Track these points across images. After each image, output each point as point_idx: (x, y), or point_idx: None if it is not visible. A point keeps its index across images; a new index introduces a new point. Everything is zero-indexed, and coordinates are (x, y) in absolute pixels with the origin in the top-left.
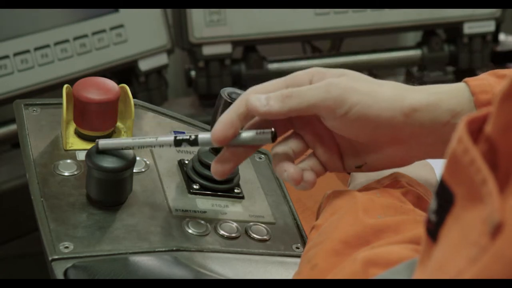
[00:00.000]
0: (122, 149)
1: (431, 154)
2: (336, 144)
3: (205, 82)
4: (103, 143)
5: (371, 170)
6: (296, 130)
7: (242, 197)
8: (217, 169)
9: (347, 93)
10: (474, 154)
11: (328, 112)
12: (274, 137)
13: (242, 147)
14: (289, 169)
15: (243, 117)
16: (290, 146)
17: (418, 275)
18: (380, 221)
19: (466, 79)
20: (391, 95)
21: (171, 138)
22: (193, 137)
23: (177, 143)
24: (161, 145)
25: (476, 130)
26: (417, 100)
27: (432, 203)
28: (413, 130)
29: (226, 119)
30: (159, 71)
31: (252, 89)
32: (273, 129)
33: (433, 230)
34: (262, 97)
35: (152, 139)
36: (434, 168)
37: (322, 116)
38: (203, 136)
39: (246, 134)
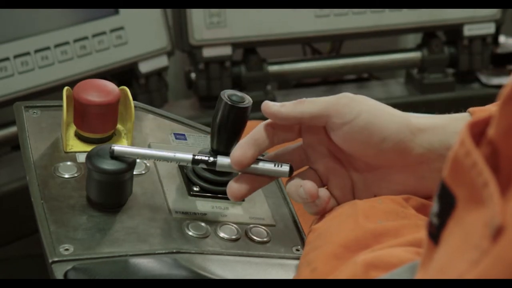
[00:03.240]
0: (137, 158)
1: None
2: (349, 178)
3: (205, 84)
4: (118, 149)
5: None
6: (310, 164)
7: (242, 199)
8: (233, 189)
9: (356, 101)
10: (476, 157)
11: (337, 117)
12: (291, 171)
13: (258, 176)
14: (305, 184)
15: (260, 142)
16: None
17: (420, 278)
18: (380, 226)
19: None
20: (398, 113)
21: (189, 156)
22: (211, 159)
23: (195, 162)
24: (178, 161)
25: (478, 133)
26: (423, 122)
27: (434, 206)
28: (422, 153)
29: (245, 143)
30: (159, 73)
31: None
32: (290, 164)
33: (435, 233)
34: (277, 103)
35: (170, 154)
36: None
37: (331, 124)
38: (222, 160)
39: (264, 164)
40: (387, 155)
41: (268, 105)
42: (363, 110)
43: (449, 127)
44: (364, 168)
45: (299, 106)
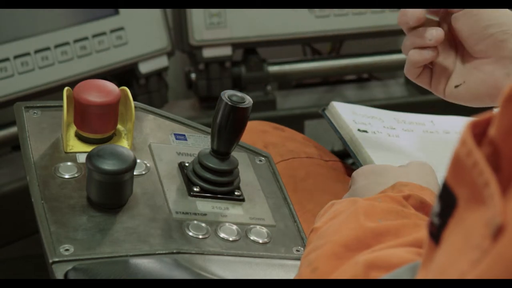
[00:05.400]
0: None
1: None
2: (453, 62)
3: (205, 84)
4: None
5: (465, 94)
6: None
7: (243, 200)
8: None
9: None
10: (477, 156)
11: None
12: None
13: None
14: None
15: None
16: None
17: (421, 278)
18: (380, 225)
19: None
20: (508, 11)
21: None
22: None
23: None
24: None
25: (480, 133)
26: None
27: (435, 206)
28: None
29: None
30: (159, 74)
31: None
32: None
33: (436, 233)
34: None
35: None
36: (436, 172)
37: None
38: None
39: None
40: (486, 42)
41: None
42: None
43: None
44: (465, 55)
45: None
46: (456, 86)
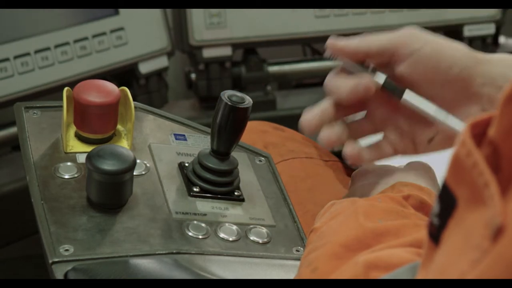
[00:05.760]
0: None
1: None
2: (408, 121)
3: (205, 84)
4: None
5: (443, 142)
6: (369, 109)
7: (242, 200)
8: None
9: (419, 32)
10: (477, 157)
11: (405, 48)
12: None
13: None
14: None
15: (325, 114)
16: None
17: (420, 278)
18: (380, 225)
19: None
20: (461, 45)
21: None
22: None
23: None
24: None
25: (480, 133)
26: (484, 55)
27: (435, 207)
28: (484, 83)
29: (313, 112)
30: (159, 74)
31: None
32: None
33: (436, 234)
34: (343, 38)
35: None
36: (435, 172)
37: (399, 55)
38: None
39: None
40: (452, 84)
41: (335, 41)
42: (429, 40)
43: (507, 61)
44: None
45: (366, 40)
46: (430, 140)
